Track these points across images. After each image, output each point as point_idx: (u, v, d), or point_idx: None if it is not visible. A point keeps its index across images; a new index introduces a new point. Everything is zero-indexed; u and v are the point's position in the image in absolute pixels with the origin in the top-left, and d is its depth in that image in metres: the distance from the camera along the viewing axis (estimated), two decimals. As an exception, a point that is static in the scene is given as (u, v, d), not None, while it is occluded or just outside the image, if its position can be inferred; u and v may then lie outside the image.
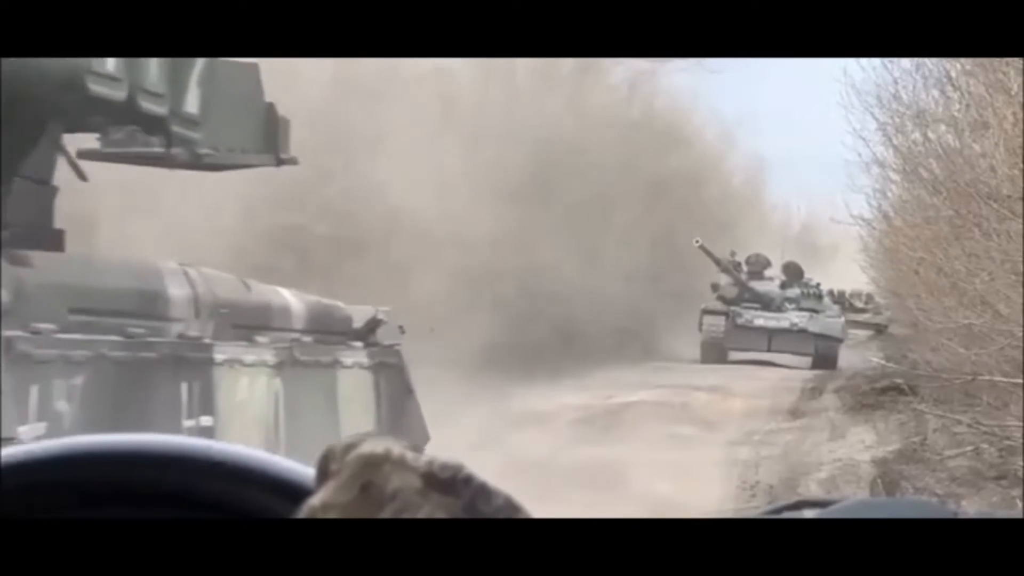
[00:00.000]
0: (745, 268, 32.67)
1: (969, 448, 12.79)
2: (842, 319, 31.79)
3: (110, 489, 1.00)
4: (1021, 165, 11.33)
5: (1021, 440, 11.62)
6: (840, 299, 33.65)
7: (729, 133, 43.05)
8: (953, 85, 14.47)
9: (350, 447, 0.78)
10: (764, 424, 16.87)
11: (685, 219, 31.90)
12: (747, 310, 31.00)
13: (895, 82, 15.97)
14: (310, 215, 17.40)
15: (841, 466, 13.19)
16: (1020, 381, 11.49)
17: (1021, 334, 11.34)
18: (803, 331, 30.34)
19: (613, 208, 29.35)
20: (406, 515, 0.73)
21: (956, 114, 14.25)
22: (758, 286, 31.87)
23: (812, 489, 11.65)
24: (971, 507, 8.92)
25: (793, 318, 30.88)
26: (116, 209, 14.58)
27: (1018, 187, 11.37)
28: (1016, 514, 1.52)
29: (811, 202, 44.60)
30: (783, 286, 32.36)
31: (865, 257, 24.44)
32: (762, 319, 30.86)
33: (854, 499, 1.48)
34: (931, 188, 14.41)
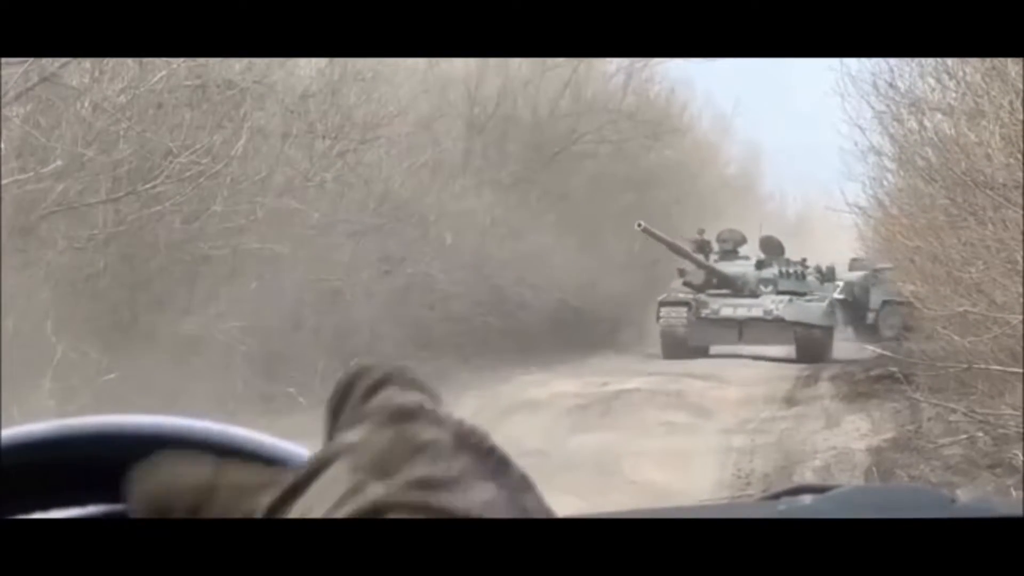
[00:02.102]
0: (716, 247, 28.54)
1: (963, 436, 12.80)
2: (825, 303, 26.77)
3: (110, 469, 1.00)
4: (1018, 154, 11.34)
5: (1016, 428, 11.64)
6: (829, 277, 28.90)
7: (725, 121, 43.12)
8: (949, 74, 14.49)
9: (377, 382, 0.78)
10: (759, 412, 16.89)
11: (680, 208, 31.86)
12: (714, 298, 26.69)
13: (891, 70, 16.01)
14: (306, 201, 17.38)
15: (836, 454, 13.20)
16: (1015, 370, 11.51)
17: (1016, 322, 11.35)
18: (779, 319, 25.95)
19: (608, 196, 29.36)
20: (440, 464, 0.73)
21: (952, 102, 14.27)
22: (729, 268, 27.59)
23: (807, 477, 11.67)
24: (965, 495, 8.94)
25: (768, 304, 26.42)
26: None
27: (1014, 175, 11.38)
28: (1013, 504, 1.52)
29: (807, 190, 44.57)
30: (760, 265, 27.87)
31: (861, 245, 24.45)
32: (730, 308, 26.46)
33: (850, 486, 1.49)
34: (927, 176, 14.44)
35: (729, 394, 18.39)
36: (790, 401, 18.22)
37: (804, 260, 28.35)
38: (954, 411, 13.32)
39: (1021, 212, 11.21)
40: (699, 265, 27.13)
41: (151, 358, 14.03)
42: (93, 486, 1.01)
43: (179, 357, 14.73)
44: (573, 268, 25.34)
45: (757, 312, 26.23)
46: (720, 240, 28.65)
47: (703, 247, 28.10)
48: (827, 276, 28.60)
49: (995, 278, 11.96)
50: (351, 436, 0.76)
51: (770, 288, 27.20)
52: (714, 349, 26.03)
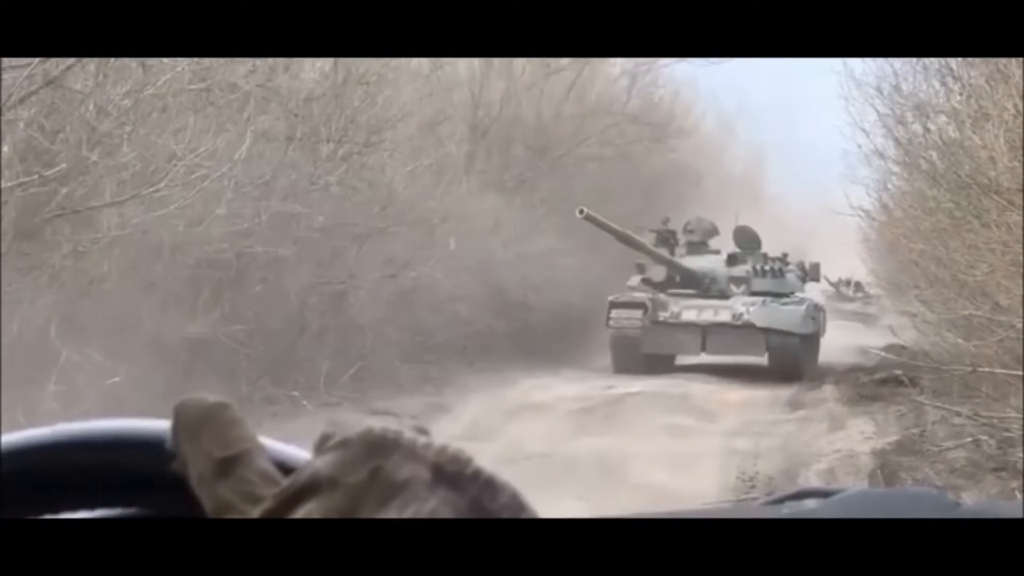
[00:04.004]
0: (683, 238, 24.89)
1: (968, 439, 12.80)
2: (803, 307, 22.53)
3: (112, 475, 1.00)
4: (1021, 157, 11.33)
5: (1020, 431, 11.63)
6: (812, 274, 25.19)
7: (729, 123, 43.15)
8: (954, 76, 14.49)
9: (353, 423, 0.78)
10: (763, 415, 16.88)
11: (683, 210, 31.80)
12: (676, 299, 22.75)
13: (895, 73, 16.04)
14: (310, 204, 17.39)
15: (840, 457, 13.20)
16: (1019, 373, 11.50)
17: (1020, 325, 11.35)
18: (749, 325, 21.86)
19: (613, 199, 29.36)
20: (411, 507, 0.72)
21: (956, 105, 14.27)
22: (695, 263, 23.99)
23: (811, 480, 11.66)
24: (970, 498, 8.94)
25: (737, 307, 22.28)
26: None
27: (1018, 179, 11.37)
28: (1016, 506, 1.51)
29: (811, 193, 44.57)
30: (732, 260, 24.19)
31: (864, 248, 24.40)
32: (693, 311, 22.31)
33: (855, 489, 1.48)
34: (931, 179, 14.44)
35: (733, 397, 18.38)
36: (794, 404, 18.21)
37: (785, 255, 24.77)
38: (959, 414, 13.31)
39: (1022, 215, 11.21)
40: (656, 259, 23.72)
41: (155, 361, 14.04)
42: (96, 491, 1.00)
43: (183, 360, 14.74)
44: (577, 270, 25.33)
45: (724, 316, 22.14)
46: (687, 230, 25.10)
47: (667, 238, 24.70)
48: (811, 274, 25.37)
49: (999, 281, 11.95)
50: (328, 465, 0.76)
51: (742, 288, 23.45)
52: (678, 361, 22.43)
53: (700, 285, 23.43)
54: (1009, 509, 1.52)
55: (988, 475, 11.59)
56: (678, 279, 23.59)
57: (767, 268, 24.02)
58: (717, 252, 24.60)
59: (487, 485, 0.74)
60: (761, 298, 22.62)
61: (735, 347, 21.69)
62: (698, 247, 24.65)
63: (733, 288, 23.41)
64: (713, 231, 25.10)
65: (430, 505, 0.72)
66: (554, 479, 10.32)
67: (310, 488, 0.75)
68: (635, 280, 23.73)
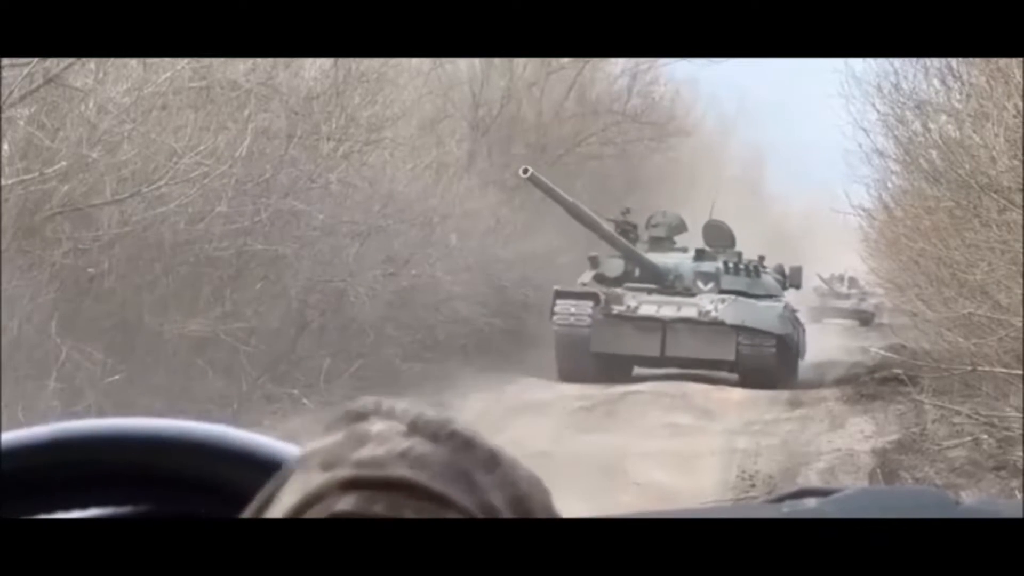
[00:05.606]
0: (646, 233, 21.73)
1: (968, 438, 12.80)
2: (780, 305, 19.97)
3: (111, 472, 1.00)
4: (1021, 156, 11.33)
5: (1020, 430, 11.64)
6: (793, 279, 22.02)
7: (729, 123, 43.14)
8: (954, 76, 14.49)
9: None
10: (763, 414, 16.87)
11: (682, 208, 31.74)
12: (632, 292, 19.61)
13: (896, 72, 16.01)
14: (310, 202, 17.38)
15: (840, 456, 13.19)
16: (1019, 372, 11.50)
17: (1020, 324, 11.35)
18: (718, 323, 18.92)
19: (613, 197, 29.33)
20: (386, 446, 0.75)
21: (957, 104, 14.27)
22: (659, 259, 20.70)
23: (811, 479, 11.66)
24: (970, 497, 8.94)
25: (704, 304, 19.22)
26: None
27: (1018, 178, 11.37)
28: (1016, 505, 1.52)
29: (811, 192, 44.57)
30: (701, 255, 20.84)
31: (865, 247, 24.36)
32: (652, 306, 19.16)
33: (855, 488, 1.48)
34: (931, 179, 14.44)
35: (733, 396, 18.36)
36: (794, 403, 18.20)
37: (762, 258, 21.50)
38: (958, 413, 13.31)
39: (1022, 214, 11.21)
40: (611, 243, 20.55)
41: (156, 359, 14.03)
42: (94, 488, 1.01)
43: (184, 358, 14.73)
44: (578, 269, 25.29)
45: (689, 312, 19.13)
46: (650, 225, 22.01)
47: (627, 232, 21.46)
48: (792, 280, 22.10)
49: (999, 280, 11.96)
50: (310, 445, 0.80)
51: (711, 285, 20.17)
52: (636, 371, 19.53)
53: (663, 281, 20.25)
54: (1009, 508, 1.53)
55: (988, 474, 11.59)
56: (637, 273, 20.50)
57: (740, 265, 20.88)
58: (684, 250, 21.46)
59: (465, 443, 0.77)
60: (732, 296, 19.71)
61: (700, 348, 18.73)
62: (662, 244, 21.58)
63: (700, 285, 20.24)
64: (680, 227, 22.12)
65: (406, 444, 0.75)
66: (554, 478, 10.30)
67: (295, 465, 0.79)
68: (587, 277, 21.07)
